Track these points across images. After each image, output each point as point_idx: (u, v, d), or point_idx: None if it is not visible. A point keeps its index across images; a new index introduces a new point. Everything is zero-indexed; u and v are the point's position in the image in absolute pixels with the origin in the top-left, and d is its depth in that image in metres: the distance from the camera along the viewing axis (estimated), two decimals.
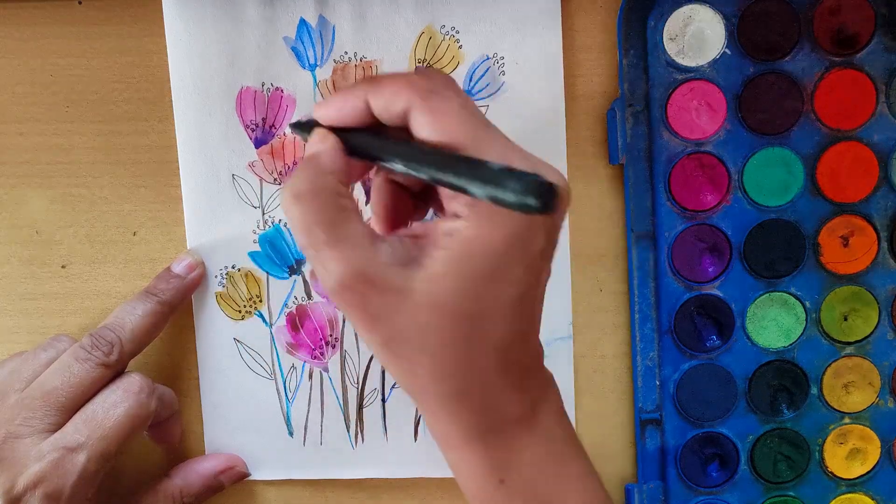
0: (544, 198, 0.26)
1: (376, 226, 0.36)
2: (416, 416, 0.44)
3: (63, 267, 0.44)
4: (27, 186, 0.43)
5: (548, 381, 0.35)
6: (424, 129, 0.31)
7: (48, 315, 0.44)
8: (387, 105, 0.32)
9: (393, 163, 0.32)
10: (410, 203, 0.36)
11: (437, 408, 0.33)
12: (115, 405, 0.38)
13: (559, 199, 0.27)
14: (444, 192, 0.32)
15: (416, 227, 0.33)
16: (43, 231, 0.44)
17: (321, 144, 0.33)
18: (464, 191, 0.29)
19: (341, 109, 0.33)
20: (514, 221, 0.30)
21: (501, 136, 0.32)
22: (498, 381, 0.33)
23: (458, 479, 0.35)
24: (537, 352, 0.35)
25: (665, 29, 0.41)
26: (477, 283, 0.31)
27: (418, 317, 0.31)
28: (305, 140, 0.34)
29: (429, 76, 0.32)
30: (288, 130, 0.42)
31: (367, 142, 0.33)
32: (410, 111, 0.31)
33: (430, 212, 0.37)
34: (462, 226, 0.31)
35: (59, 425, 0.38)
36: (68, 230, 0.44)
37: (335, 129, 0.33)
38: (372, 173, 0.36)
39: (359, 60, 0.41)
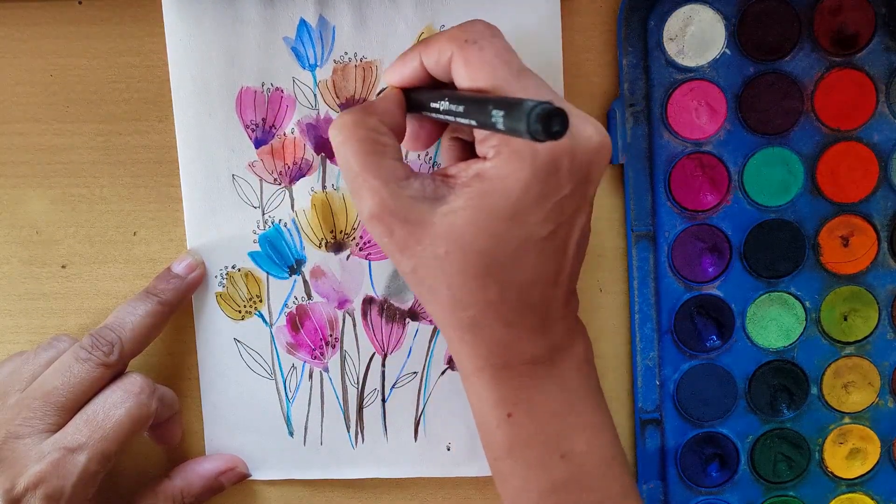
0: (549, 122, 0.26)
1: None
2: (416, 416, 0.44)
3: (63, 267, 0.44)
4: (27, 186, 0.43)
5: (575, 332, 0.37)
6: (461, 77, 0.33)
7: (48, 315, 0.44)
8: (436, 59, 0.34)
9: (439, 103, 0.33)
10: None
11: (454, 336, 0.35)
12: (116, 405, 0.38)
13: (566, 124, 0.26)
14: (478, 138, 0.34)
15: (450, 168, 0.35)
16: (43, 231, 0.44)
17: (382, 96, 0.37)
18: (485, 125, 0.30)
19: (402, 70, 0.36)
20: (535, 165, 0.32)
21: (534, 82, 0.33)
22: (515, 320, 0.34)
23: (472, 408, 0.37)
24: (566, 300, 0.36)
25: (665, 29, 0.41)
26: (494, 221, 0.32)
27: (438, 248, 0.33)
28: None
29: (467, 28, 0.34)
30: (288, 131, 0.42)
31: (420, 93, 0.36)
32: (451, 62, 0.33)
33: None
34: (487, 166, 0.33)
35: (59, 425, 0.38)
36: (68, 230, 0.44)
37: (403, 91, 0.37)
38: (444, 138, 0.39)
39: (359, 61, 0.41)
